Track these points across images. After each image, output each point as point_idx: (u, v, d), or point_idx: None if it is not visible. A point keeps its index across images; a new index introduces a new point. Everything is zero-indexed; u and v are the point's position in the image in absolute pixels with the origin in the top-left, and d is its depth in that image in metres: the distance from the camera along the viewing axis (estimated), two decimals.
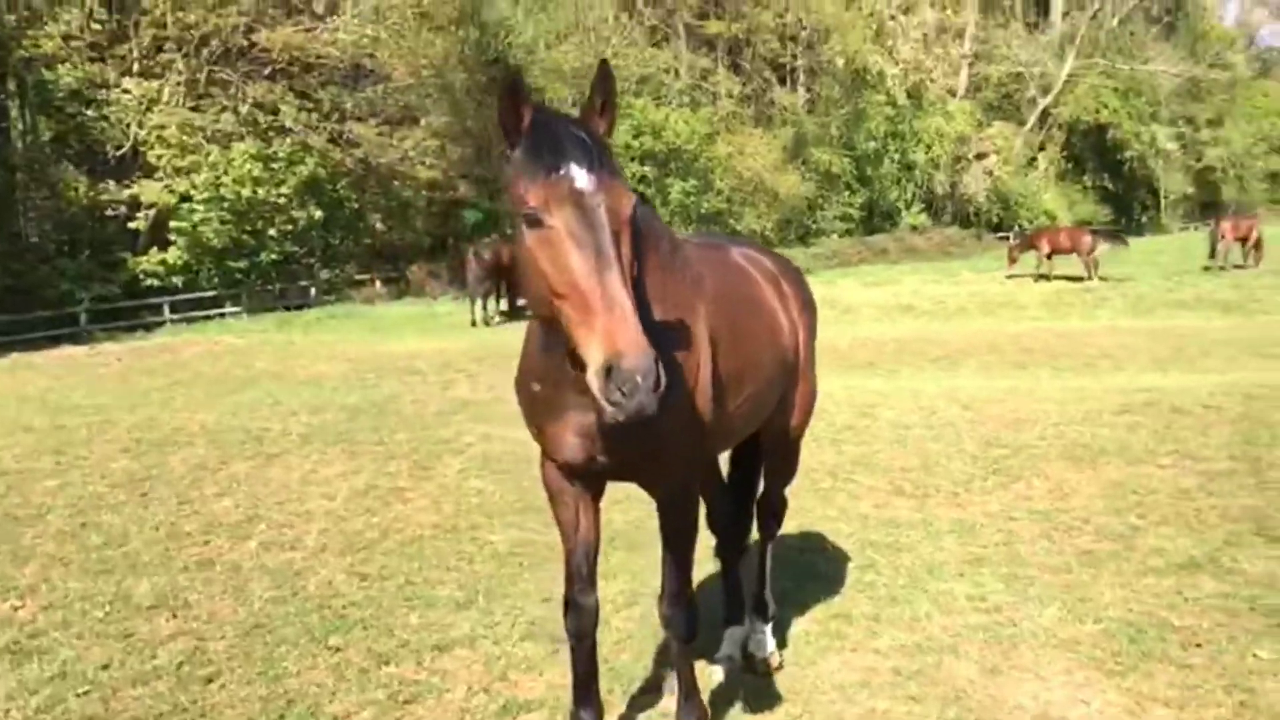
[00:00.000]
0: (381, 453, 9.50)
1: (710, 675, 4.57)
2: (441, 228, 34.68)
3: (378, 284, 31.49)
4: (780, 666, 4.64)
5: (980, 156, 49.93)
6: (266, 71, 30.27)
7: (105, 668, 4.89)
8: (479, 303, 23.62)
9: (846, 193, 45.33)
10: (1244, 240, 31.45)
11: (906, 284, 29.28)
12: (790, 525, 6.07)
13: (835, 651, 4.83)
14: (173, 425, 11.18)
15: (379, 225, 32.11)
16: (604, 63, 3.05)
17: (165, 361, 18.61)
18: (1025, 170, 53.25)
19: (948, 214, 51.51)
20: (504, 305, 25.14)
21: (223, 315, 27.59)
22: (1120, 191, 56.83)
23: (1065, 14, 57.72)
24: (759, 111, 43.80)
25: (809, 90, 46.62)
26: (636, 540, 6.72)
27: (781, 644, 4.90)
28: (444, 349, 18.44)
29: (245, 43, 29.65)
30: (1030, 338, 17.97)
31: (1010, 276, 30.33)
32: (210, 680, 4.74)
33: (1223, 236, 31.56)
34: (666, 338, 3.33)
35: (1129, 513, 6.96)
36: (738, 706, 4.31)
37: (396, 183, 32.03)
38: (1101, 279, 27.80)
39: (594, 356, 2.59)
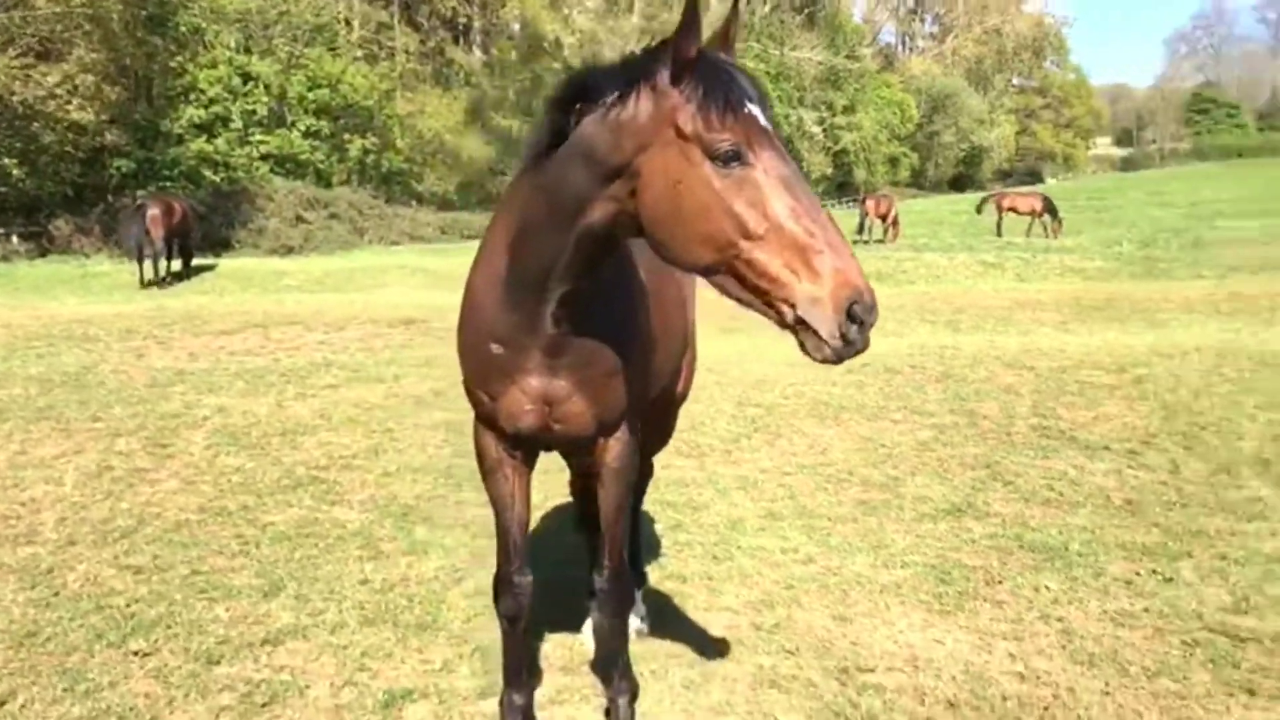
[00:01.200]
0: (102, 429, 8.44)
1: (584, 645, 4.50)
2: (85, 177, 31.11)
3: (14, 239, 27.77)
4: (646, 633, 4.65)
5: None
6: None
7: None
8: (148, 262, 21.48)
9: None
10: (884, 218, 35.02)
11: None
12: None
13: (691, 611, 4.91)
14: None
15: (15, 172, 28.22)
16: (736, 1, 2.86)
17: None
18: None
19: None
20: (176, 265, 23.05)
21: None
22: None
23: None
24: (437, 70, 42.89)
25: (486, 53, 46.26)
26: (434, 514, 6.47)
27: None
28: (120, 313, 16.63)
29: None
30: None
31: None
32: (3, 704, 4.02)
33: (868, 214, 35.00)
34: (625, 293, 3.23)
35: (884, 464, 7.59)
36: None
37: (37, 124, 28.27)
38: None
39: (824, 297, 2.43)
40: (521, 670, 3.67)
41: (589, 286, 3.00)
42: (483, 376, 3.27)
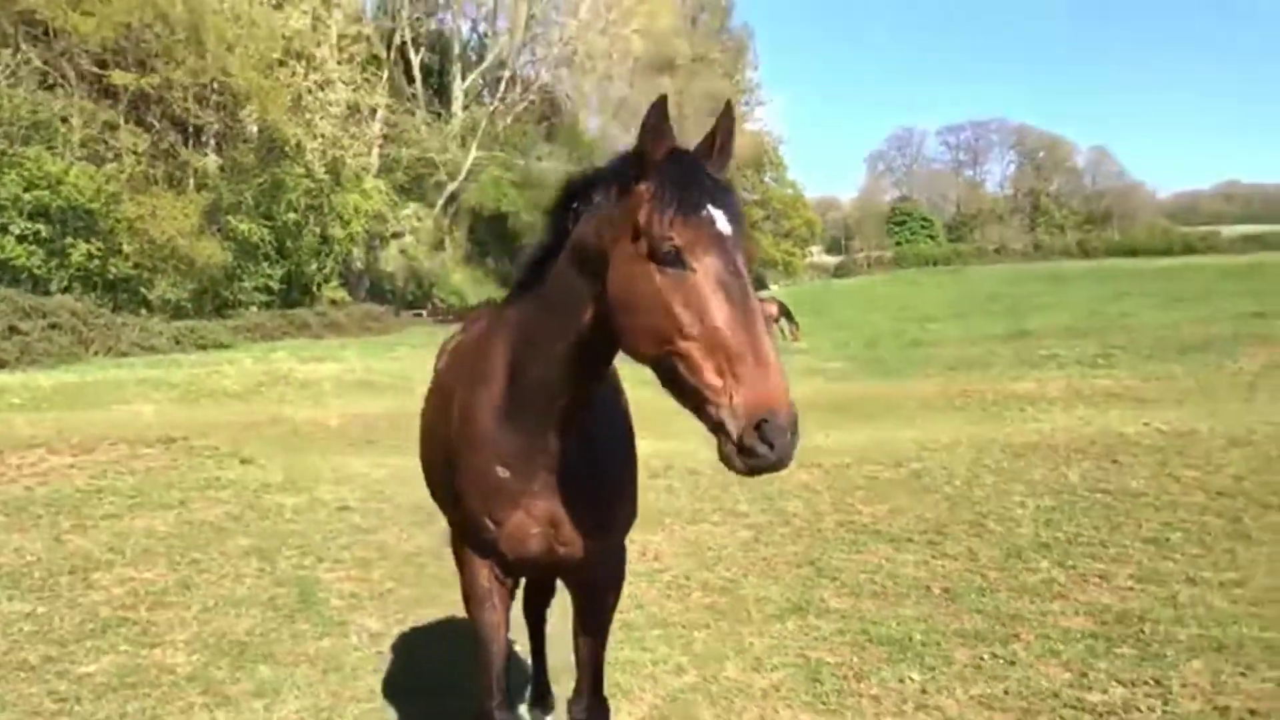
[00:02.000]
0: None
1: None
2: None
3: None
4: None
5: (396, 235, 51.46)
6: None
7: None
8: None
9: (266, 264, 43.82)
10: None
11: (338, 361, 29.18)
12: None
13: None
14: None
15: None
16: (728, 104, 2.92)
17: None
18: (434, 251, 55.84)
19: (363, 291, 52.24)
20: None
21: None
22: None
23: (466, 107, 62.05)
24: (169, 172, 40.80)
25: (221, 154, 44.54)
26: (273, 650, 6.05)
27: None
28: None
29: None
30: None
31: None
32: None
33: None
34: (617, 405, 3.26)
35: (717, 567, 7.80)
36: None
37: None
38: None
39: (737, 407, 2.47)
40: None
41: (586, 400, 3.02)
42: (486, 503, 3.18)
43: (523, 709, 3.58)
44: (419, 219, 53.87)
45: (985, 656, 5.75)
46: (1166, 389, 21.90)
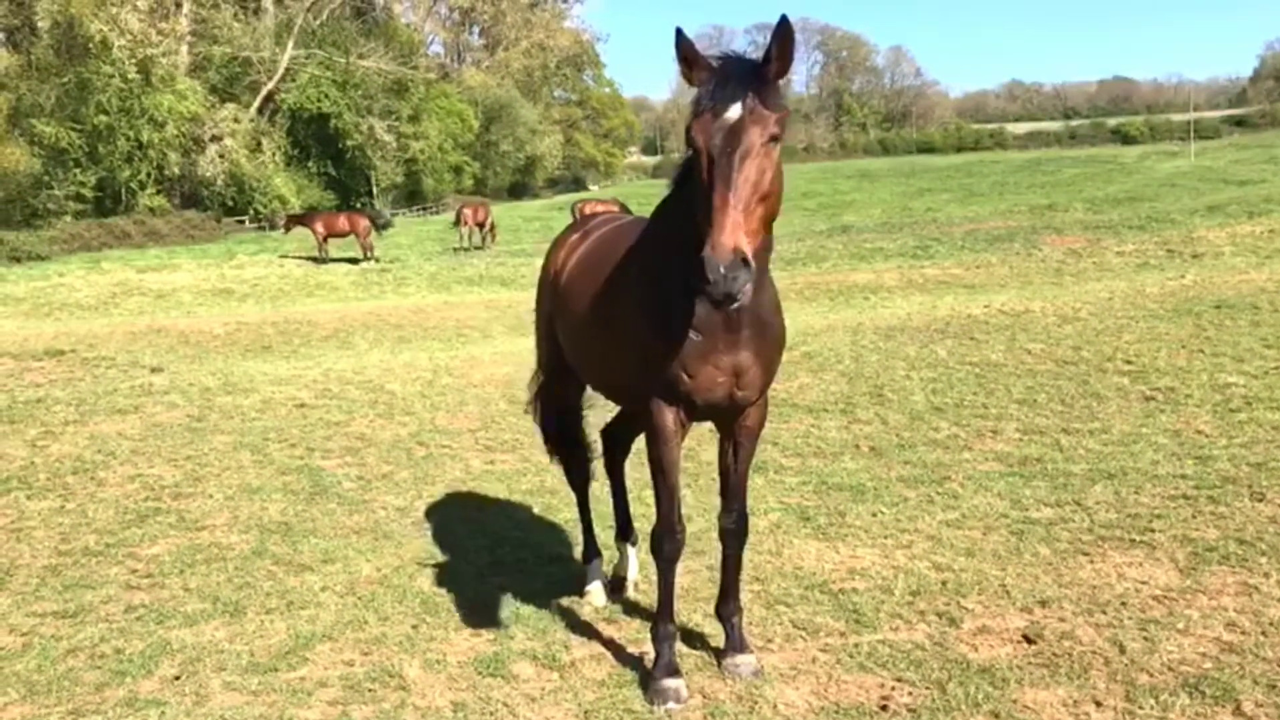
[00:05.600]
0: None
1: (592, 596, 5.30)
2: None
3: None
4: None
5: (215, 139, 49.09)
6: None
7: None
8: None
9: (77, 170, 41.27)
10: (481, 225, 36.43)
11: (187, 270, 28.40)
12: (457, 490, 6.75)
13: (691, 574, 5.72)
14: None
15: None
16: (784, 18, 3.57)
17: None
18: (253, 155, 53.65)
19: (179, 197, 49.86)
20: None
21: None
22: (342, 178, 60.30)
23: (278, 1, 59.10)
24: None
25: (17, 52, 41.25)
26: (317, 528, 6.71)
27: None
28: None
29: None
30: (381, 315, 19.29)
31: (284, 256, 31.15)
32: None
33: (465, 222, 36.17)
34: (770, 285, 4.11)
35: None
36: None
37: None
38: (375, 260, 30.13)
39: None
40: (673, 604, 4.43)
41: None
42: (682, 359, 3.96)
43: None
44: (236, 120, 51.47)
45: (932, 495, 6.98)
46: (988, 275, 24.27)
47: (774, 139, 3.51)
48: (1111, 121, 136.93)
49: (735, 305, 3.36)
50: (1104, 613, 4.87)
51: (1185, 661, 4.35)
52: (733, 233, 3.29)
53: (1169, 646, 4.48)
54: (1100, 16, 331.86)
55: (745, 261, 3.28)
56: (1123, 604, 4.96)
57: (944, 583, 5.34)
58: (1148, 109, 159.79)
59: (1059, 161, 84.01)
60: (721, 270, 3.23)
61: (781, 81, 3.61)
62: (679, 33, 3.63)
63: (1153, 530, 5.91)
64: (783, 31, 3.55)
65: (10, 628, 5.18)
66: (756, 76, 3.56)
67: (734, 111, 3.48)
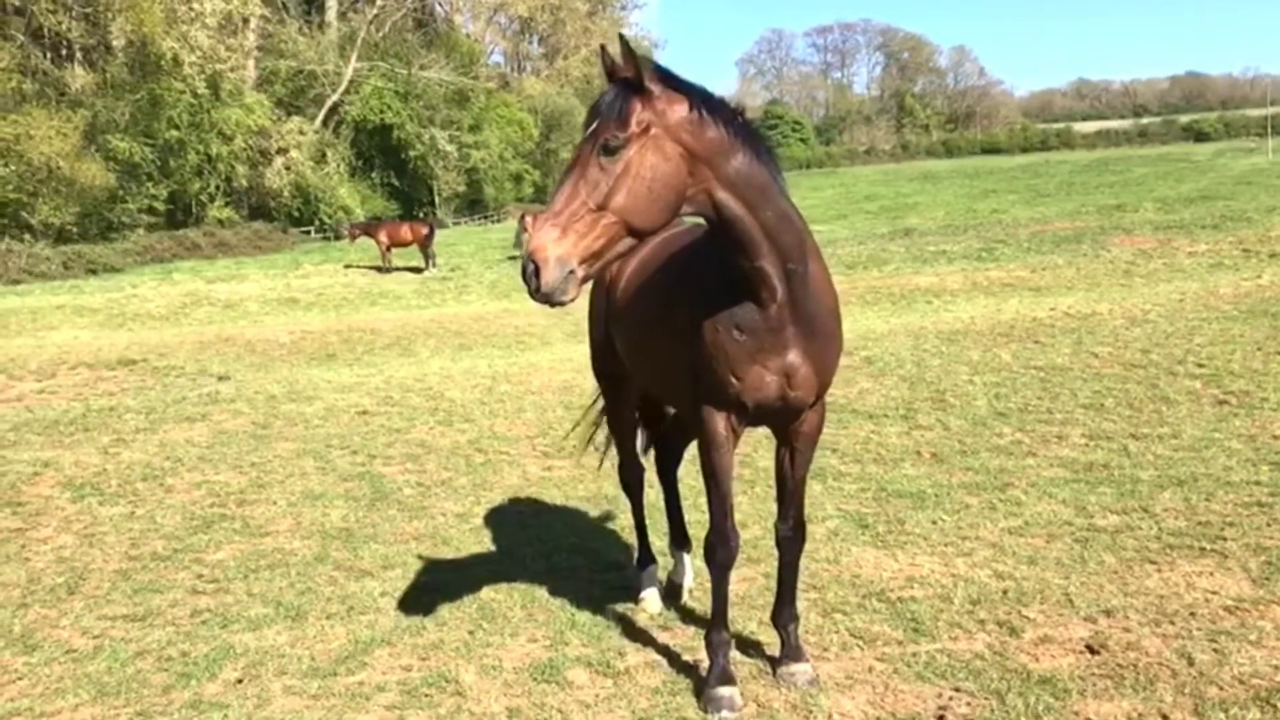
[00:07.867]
0: None
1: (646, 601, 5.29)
2: None
3: None
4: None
5: (281, 151, 50.15)
6: None
7: None
8: None
9: (149, 184, 42.41)
10: None
11: (254, 280, 29.00)
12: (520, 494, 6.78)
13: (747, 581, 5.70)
14: None
15: None
16: (622, 37, 3.64)
17: None
18: (318, 166, 54.65)
19: (246, 208, 50.95)
20: None
21: None
22: (405, 188, 61.15)
23: (342, 14, 60.20)
24: (41, 90, 38.85)
25: (92, 70, 42.52)
26: (377, 534, 6.79)
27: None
28: None
29: None
30: (442, 323, 19.51)
31: (348, 266, 31.68)
32: None
33: (526, 230, 36.52)
34: (824, 286, 4.08)
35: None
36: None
37: None
38: (437, 267, 30.52)
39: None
40: (727, 611, 4.41)
41: (796, 269, 3.85)
42: (731, 361, 3.95)
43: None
44: (301, 133, 52.51)
45: (994, 502, 6.87)
46: (1054, 277, 23.78)
47: (607, 149, 3.50)
48: (1184, 118, 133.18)
49: (550, 304, 3.43)
50: (1171, 623, 4.75)
51: (1257, 674, 4.23)
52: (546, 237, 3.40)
53: (1240, 659, 4.35)
54: (1172, 11, 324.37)
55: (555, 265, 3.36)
56: (1191, 614, 4.83)
57: (1005, 591, 5.25)
58: (1222, 105, 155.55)
59: (1128, 160, 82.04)
60: (530, 264, 3.37)
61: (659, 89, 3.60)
62: (603, 49, 3.70)
63: (1224, 539, 5.75)
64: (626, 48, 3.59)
65: (83, 630, 5.33)
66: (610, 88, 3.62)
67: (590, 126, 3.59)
